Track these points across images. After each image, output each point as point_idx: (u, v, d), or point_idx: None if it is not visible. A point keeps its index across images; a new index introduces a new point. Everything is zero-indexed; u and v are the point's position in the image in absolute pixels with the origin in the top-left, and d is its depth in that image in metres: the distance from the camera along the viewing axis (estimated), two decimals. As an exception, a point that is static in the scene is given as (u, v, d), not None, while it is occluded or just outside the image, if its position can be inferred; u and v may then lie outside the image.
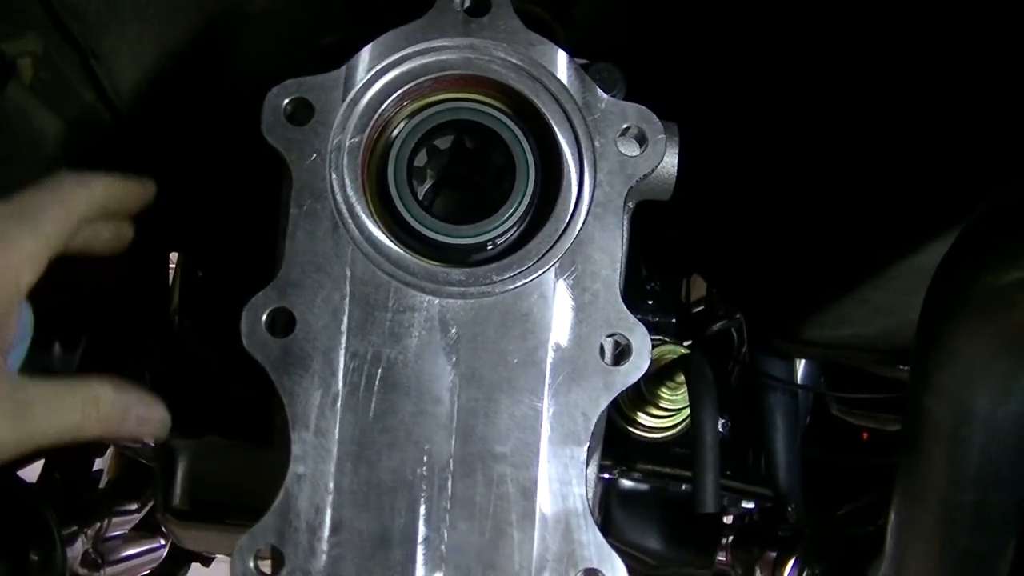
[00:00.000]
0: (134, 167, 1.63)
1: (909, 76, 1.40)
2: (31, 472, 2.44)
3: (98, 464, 2.79)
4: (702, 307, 2.43)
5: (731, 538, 2.44)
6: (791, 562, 2.17)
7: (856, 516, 2.17)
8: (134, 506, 2.61)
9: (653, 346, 1.74)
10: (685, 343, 2.15)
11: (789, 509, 2.27)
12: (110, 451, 2.75)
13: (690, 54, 1.64)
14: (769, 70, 1.60)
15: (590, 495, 1.32)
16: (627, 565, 1.11)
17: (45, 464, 2.42)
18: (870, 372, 2.26)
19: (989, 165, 1.37)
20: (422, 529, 1.09)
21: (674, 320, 1.94)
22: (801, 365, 2.49)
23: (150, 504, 2.62)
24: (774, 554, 2.23)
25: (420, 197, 1.23)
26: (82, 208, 1.14)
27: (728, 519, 2.50)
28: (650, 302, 1.93)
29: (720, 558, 2.41)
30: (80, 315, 2.20)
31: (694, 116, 1.66)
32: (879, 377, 2.17)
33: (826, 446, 2.68)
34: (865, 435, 2.69)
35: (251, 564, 1.07)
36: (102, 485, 2.74)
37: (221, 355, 1.30)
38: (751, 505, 2.17)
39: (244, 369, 1.13)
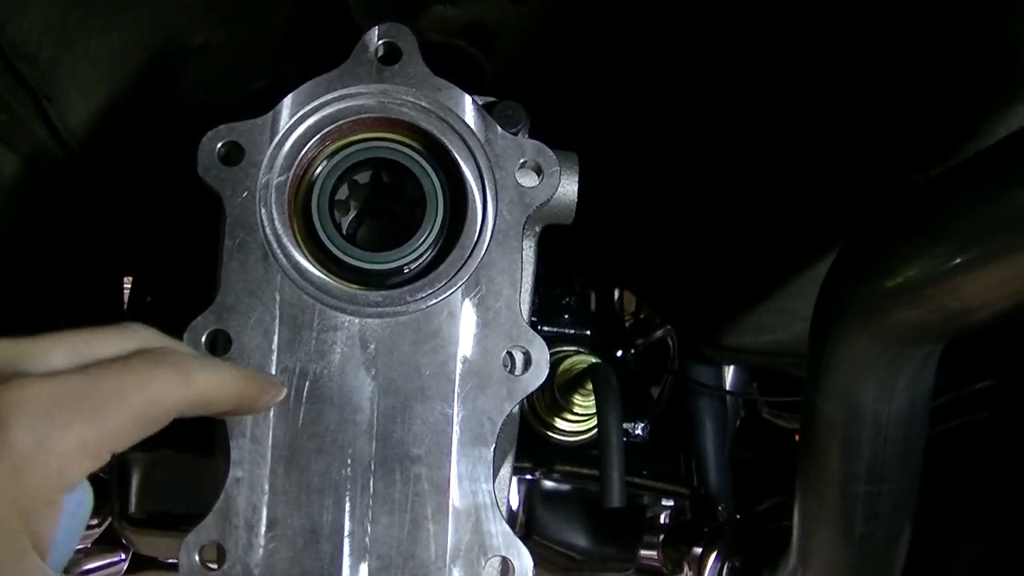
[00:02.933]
0: (87, 199, 1.69)
1: (797, 104, 1.49)
2: None
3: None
4: (630, 319, 2.51)
5: (662, 537, 2.51)
6: (712, 556, 2.24)
7: (776, 511, 2.24)
8: (94, 521, 2.63)
9: (567, 356, 1.84)
10: (619, 352, 2.23)
11: (720, 508, 2.35)
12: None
13: (605, 76, 1.72)
14: (677, 91, 1.68)
15: (504, 493, 1.43)
16: (555, 562, 1.19)
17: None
18: (797, 376, 2.32)
19: (871, 184, 1.45)
20: (348, 524, 1.20)
21: (588, 332, 2.01)
22: (730, 371, 2.55)
23: (110, 519, 2.64)
24: (699, 550, 2.30)
25: (345, 227, 1.34)
26: (168, 408, 0.98)
27: (663, 519, 2.57)
28: (566, 316, 2.01)
29: (653, 555, 2.48)
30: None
31: (612, 136, 1.74)
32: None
33: (758, 448, 2.74)
34: (797, 436, 2.74)
35: (196, 558, 1.17)
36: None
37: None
38: (671, 503, 2.23)
39: None
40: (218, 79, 1.67)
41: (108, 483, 1.95)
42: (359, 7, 1.54)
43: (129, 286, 2.11)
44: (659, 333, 2.63)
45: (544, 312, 2.00)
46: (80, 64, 1.46)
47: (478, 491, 1.21)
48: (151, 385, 0.94)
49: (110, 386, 0.91)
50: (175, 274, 1.90)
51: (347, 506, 1.20)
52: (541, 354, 1.23)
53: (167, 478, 1.91)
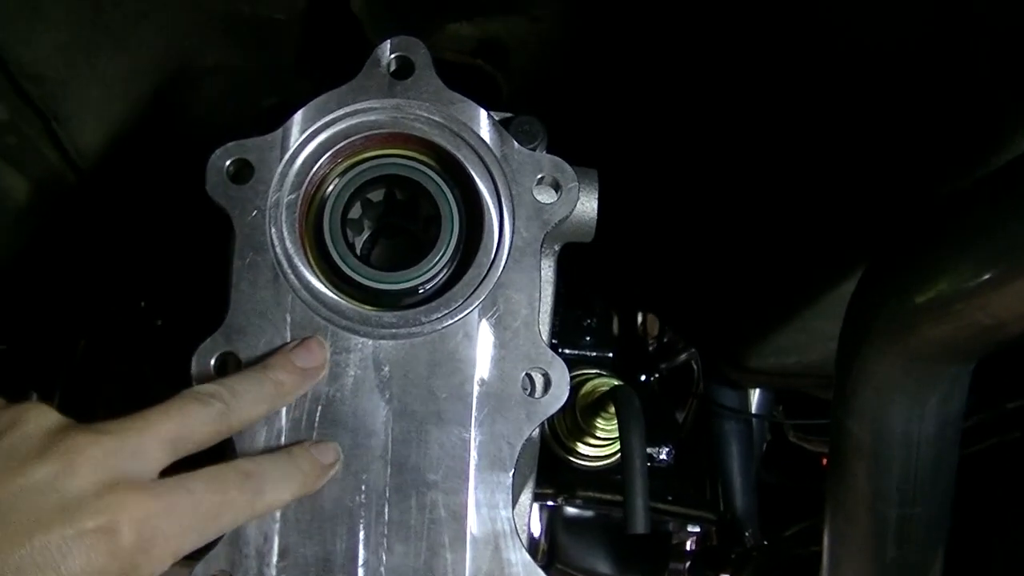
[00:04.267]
0: (98, 221, 1.68)
1: (819, 120, 1.46)
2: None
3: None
4: (654, 343, 2.48)
5: (688, 564, 2.47)
6: (740, 583, 2.21)
7: (804, 536, 2.21)
8: None
9: (588, 379, 1.80)
10: (642, 377, 2.20)
11: (747, 533, 2.31)
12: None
13: (624, 93, 1.70)
14: (698, 108, 1.65)
15: (525, 519, 1.39)
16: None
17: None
18: (823, 399, 2.30)
19: (896, 199, 1.42)
20: (362, 553, 1.16)
21: (610, 354, 1.98)
22: (756, 394, 2.53)
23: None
24: (727, 576, 2.27)
25: (358, 246, 1.31)
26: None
27: (689, 545, 2.54)
28: (587, 338, 1.99)
29: (678, 584, 2.45)
30: (55, 364, 2.24)
31: (632, 155, 1.72)
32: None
33: (784, 471, 2.71)
34: (824, 460, 2.71)
35: None
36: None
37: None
38: (697, 528, 2.20)
39: None
40: (230, 100, 1.66)
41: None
42: (372, 26, 1.52)
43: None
44: (683, 356, 2.60)
45: (564, 334, 1.97)
46: (90, 85, 1.45)
47: (497, 518, 1.18)
48: (233, 508, 1.04)
49: (206, 508, 1.01)
50: (185, 297, 1.88)
51: (361, 534, 1.17)
52: (561, 376, 1.20)
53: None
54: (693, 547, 2.53)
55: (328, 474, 1.15)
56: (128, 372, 1.92)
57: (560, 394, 1.20)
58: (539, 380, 1.20)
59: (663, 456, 1.94)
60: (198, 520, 0.99)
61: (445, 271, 1.23)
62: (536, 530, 2.06)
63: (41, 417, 0.98)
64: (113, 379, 2.00)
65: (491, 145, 1.23)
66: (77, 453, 0.94)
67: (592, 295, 2.16)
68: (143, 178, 1.70)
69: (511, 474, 1.18)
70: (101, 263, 1.88)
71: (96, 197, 1.64)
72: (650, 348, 2.65)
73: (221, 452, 1.20)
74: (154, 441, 1.00)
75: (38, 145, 1.46)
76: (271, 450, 1.16)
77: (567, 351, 1.98)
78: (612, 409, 1.78)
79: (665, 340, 2.65)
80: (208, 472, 1.03)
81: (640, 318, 2.59)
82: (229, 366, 1.17)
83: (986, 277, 1.08)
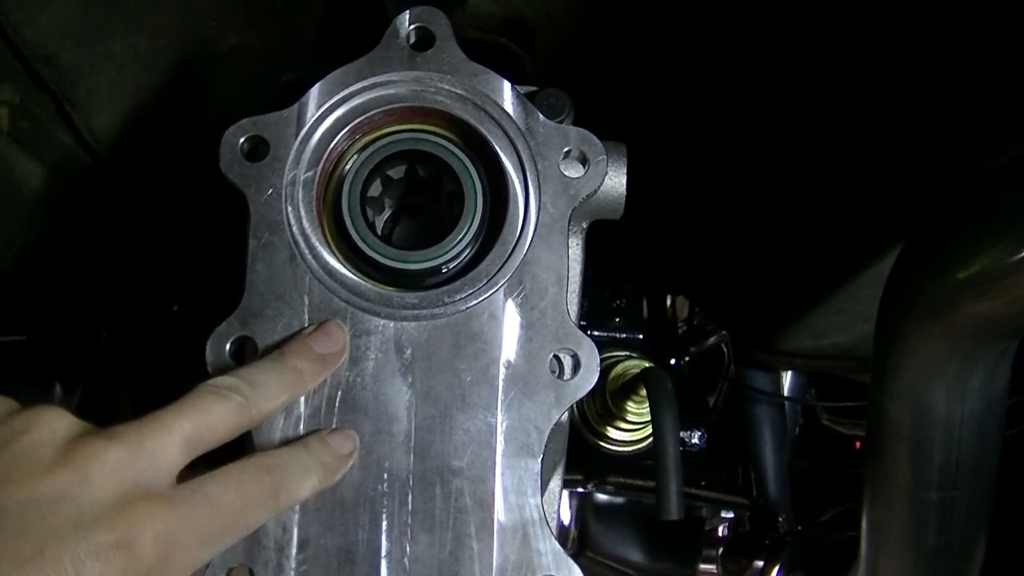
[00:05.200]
0: (114, 206, 1.66)
1: (852, 97, 1.43)
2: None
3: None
4: (683, 326, 2.46)
5: (721, 550, 2.45)
6: (775, 569, 2.18)
7: (839, 522, 2.18)
8: None
9: (618, 361, 1.77)
10: (672, 360, 2.17)
11: (780, 519, 2.28)
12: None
13: (652, 71, 1.67)
14: (728, 87, 1.62)
15: (554, 507, 1.36)
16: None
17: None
18: (856, 381, 2.27)
19: (932, 176, 1.39)
20: (385, 543, 1.12)
21: (640, 336, 1.95)
22: (788, 377, 2.51)
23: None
24: (761, 563, 2.24)
25: (379, 226, 1.27)
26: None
27: (721, 532, 2.52)
28: (617, 319, 1.95)
29: (712, 569, 2.42)
30: (77, 355, 2.23)
31: (661, 136, 1.69)
32: (864, 385, 2.19)
33: (817, 456, 2.69)
34: (857, 443, 2.70)
35: None
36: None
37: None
38: (730, 514, 2.18)
39: None
40: (249, 82, 1.63)
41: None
42: (393, 3, 1.49)
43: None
44: (713, 339, 2.58)
45: (593, 315, 1.94)
46: (104, 67, 1.42)
47: (525, 506, 1.14)
48: (254, 510, 1.02)
49: (226, 513, 0.98)
50: (202, 280, 1.85)
51: (384, 524, 1.13)
52: (591, 357, 1.15)
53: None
54: (725, 533, 2.52)
55: (348, 464, 1.12)
56: (148, 359, 1.90)
57: (590, 376, 1.15)
58: (568, 361, 1.16)
59: (695, 440, 1.91)
60: (219, 527, 0.97)
61: (469, 249, 1.19)
62: (566, 517, 2.03)
63: (55, 422, 0.95)
64: (133, 368, 1.98)
65: (516, 118, 1.19)
66: (92, 460, 0.91)
67: (621, 277, 2.13)
68: (160, 161, 1.67)
69: (539, 460, 1.14)
70: (119, 249, 1.86)
71: (113, 182, 1.61)
72: (680, 331, 2.63)
73: (240, 444, 1.17)
74: (171, 443, 0.97)
75: (52, 129, 1.44)
76: (289, 441, 1.12)
77: (596, 333, 1.94)
78: (643, 392, 1.75)
79: (695, 323, 2.63)
80: (226, 473, 1.00)
81: (669, 301, 2.58)
82: (246, 350, 1.14)
83: (1033, 249, 1.03)
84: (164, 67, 1.50)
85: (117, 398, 2.10)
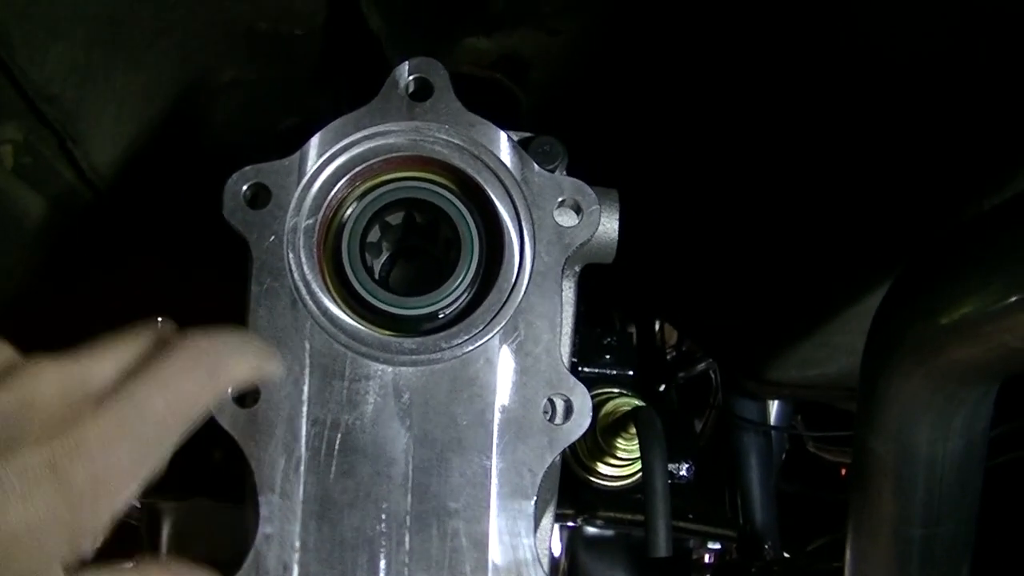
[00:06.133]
0: (115, 241, 1.67)
1: (845, 134, 1.45)
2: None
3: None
4: (671, 352, 2.48)
5: (707, 577, 2.47)
6: (761, 599, 2.19)
7: (825, 551, 2.20)
8: (128, 564, 2.60)
9: (609, 398, 1.79)
10: (661, 386, 2.19)
11: (766, 546, 2.30)
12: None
13: (643, 105, 1.68)
14: (719, 119, 1.64)
15: (546, 544, 1.38)
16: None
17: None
18: (843, 409, 2.29)
19: (922, 216, 1.41)
20: None
21: (631, 372, 1.97)
22: (775, 404, 2.52)
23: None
24: (747, 592, 2.26)
25: (376, 269, 1.30)
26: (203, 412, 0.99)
27: (708, 559, 2.53)
28: (607, 356, 1.97)
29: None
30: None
31: (651, 167, 1.71)
32: (851, 413, 2.20)
33: (804, 481, 2.70)
34: (843, 470, 2.71)
35: None
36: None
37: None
38: (717, 546, 2.19)
39: (221, 435, 1.17)
40: (247, 116, 1.65)
41: (139, 532, 1.92)
42: (390, 41, 1.51)
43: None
44: (702, 366, 2.60)
45: (584, 352, 1.95)
46: (106, 103, 1.44)
47: (519, 546, 1.16)
48: (189, 402, 0.96)
49: (156, 418, 0.92)
50: (203, 320, 1.87)
51: (382, 563, 1.15)
52: (583, 402, 1.18)
53: (200, 528, 1.88)
54: (712, 560, 2.53)
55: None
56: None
57: (582, 420, 1.18)
58: (560, 406, 1.18)
59: (683, 472, 1.92)
60: (156, 433, 0.92)
61: (465, 295, 1.21)
62: (556, 550, 2.04)
63: None
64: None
65: (511, 168, 1.22)
66: (26, 380, 0.89)
67: (611, 308, 2.14)
68: (160, 195, 1.68)
69: (533, 501, 1.16)
70: (120, 283, 1.87)
71: (113, 214, 1.63)
72: (668, 357, 2.65)
73: (240, 475, 1.19)
74: (107, 367, 0.94)
75: (54, 164, 1.45)
76: (290, 482, 1.15)
77: (587, 370, 1.96)
78: (633, 429, 1.77)
79: (683, 349, 2.65)
80: (152, 372, 0.95)
81: (657, 327, 2.59)
82: (248, 394, 1.16)
83: (1013, 299, 1.06)
84: (163, 101, 1.52)
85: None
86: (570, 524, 1.98)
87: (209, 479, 1.14)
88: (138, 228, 1.73)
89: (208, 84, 1.56)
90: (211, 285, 1.68)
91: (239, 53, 1.53)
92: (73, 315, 1.86)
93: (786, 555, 2.36)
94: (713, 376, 2.57)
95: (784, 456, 2.69)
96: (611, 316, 2.13)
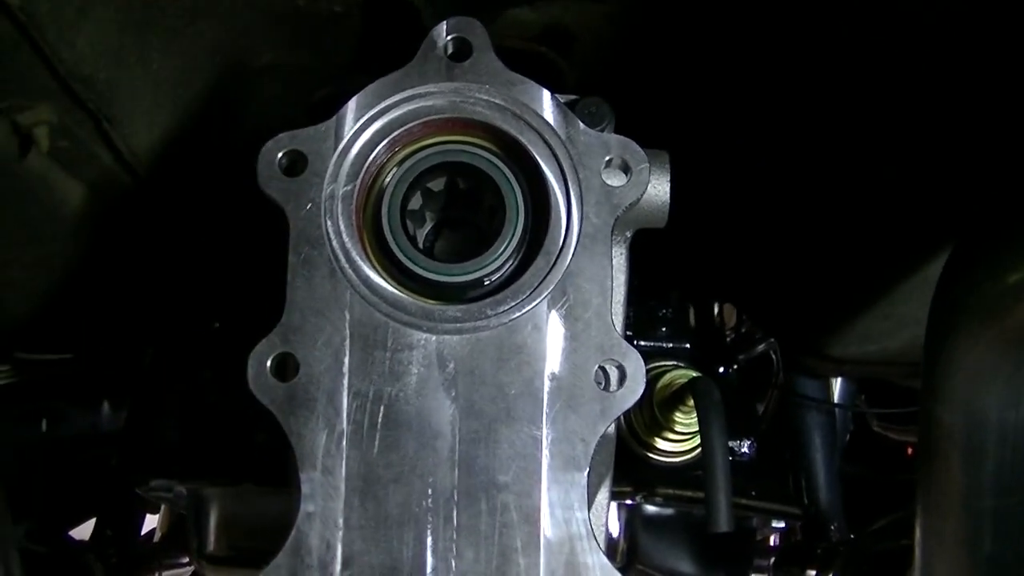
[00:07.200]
0: (154, 225, 1.66)
1: (902, 97, 1.41)
2: (84, 529, 2.49)
3: (152, 521, 2.84)
4: (731, 334, 2.44)
5: (773, 560, 2.43)
6: (828, 579, 2.16)
7: (892, 530, 2.15)
8: (185, 559, 2.63)
9: (665, 371, 1.75)
10: (721, 369, 2.15)
11: (832, 528, 2.26)
12: (163, 507, 2.80)
13: (694, 78, 1.65)
14: (772, 91, 1.60)
15: (602, 520, 1.34)
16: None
17: (97, 521, 2.46)
18: (907, 386, 2.25)
19: (983, 180, 1.38)
20: (430, 560, 1.11)
21: (687, 345, 1.93)
22: (838, 384, 2.48)
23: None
24: (813, 573, 2.22)
25: (420, 239, 1.26)
26: None
27: (772, 541, 2.50)
28: (663, 329, 1.94)
29: (763, 581, 2.41)
30: (127, 373, 2.23)
31: (706, 142, 1.68)
32: (915, 391, 2.16)
33: (869, 462, 2.66)
34: (909, 450, 2.67)
35: None
36: (156, 540, 2.78)
37: (242, 403, 1.34)
38: (781, 524, 2.16)
39: (264, 415, 1.15)
40: (286, 98, 1.63)
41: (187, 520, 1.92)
42: (431, 14, 1.48)
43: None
44: (762, 347, 2.55)
45: (639, 325, 1.92)
46: (141, 86, 1.42)
47: (572, 520, 1.12)
48: None
49: None
50: (242, 297, 1.85)
51: (429, 540, 1.11)
52: (637, 367, 1.14)
53: (246, 513, 1.87)
54: (777, 543, 2.49)
55: None
56: (192, 377, 1.90)
57: (636, 387, 1.14)
58: (613, 373, 1.14)
59: (744, 450, 1.89)
60: None
61: (511, 261, 1.18)
62: (614, 530, 2.01)
63: None
64: (181, 387, 1.99)
65: (556, 127, 1.18)
66: None
67: (667, 286, 2.11)
68: (199, 178, 1.67)
69: (586, 473, 1.12)
70: (161, 266, 1.86)
71: (153, 199, 1.61)
72: (728, 339, 2.61)
73: (283, 462, 1.17)
74: None
75: (91, 148, 1.44)
76: (333, 457, 1.12)
77: (642, 343, 1.93)
78: (691, 402, 1.73)
79: (743, 330, 2.61)
80: None
81: (716, 308, 2.56)
82: (288, 367, 1.13)
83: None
84: (201, 84, 1.51)
85: (165, 415, 2.11)
86: (628, 502, 1.95)
87: (254, 463, 1.12)
88: (179, 211, 1.71)
89: (246, 67, 1.54)
90: (250, 267, 1.67)
91: (277, 34, 1.50)
92: (119, 302, 1.85)
93: (852, 537, 2.32)
94: (774, 356, 2.53)
95: (848, 437, 2.64)
96: (668, 295, 2.09)
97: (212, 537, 1.88)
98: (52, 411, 2.45)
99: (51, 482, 2.43)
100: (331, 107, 1.19)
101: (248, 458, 1.63)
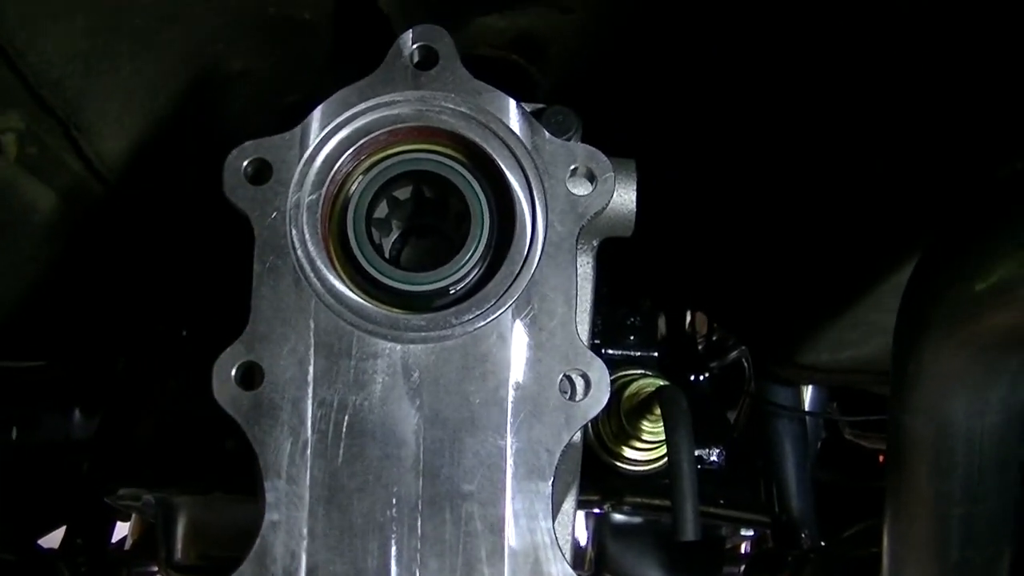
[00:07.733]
0: (126, 232, 1.65)
1: (869, 101, 1.42)
2: (54, 537, 2.48)
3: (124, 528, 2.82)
4: (703, 342, 2.44)
5: (743, 568, 2.43)
6: (798, 586, 2.16)
7: (863, 537, 2.15)
8: (155, 568, 2.61)
9: (632, 380, 1.75)
10: (692, 376, 2.16)
11: (803, 535, 2.26)
12: (134, 515, 2.79)
13: (663, 85, 1.65)
14: (740, 98, 1.61)
15: (568, 529, 1.34)
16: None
17: (68, 529, 2.45)
18: (879, 394, 2.26)
19: (951, 187, 1.38)
20: (395, 569, 1.11)
21: (656, 354, 1.93)
22: (809, 392, 2.49)
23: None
24: (784, 580, 2.22)
25: (387, 248, 1.26)
26: None
27: (744, 549, 2.50)
28: (631, 337, 1.94)
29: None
30: (99, 380, 2.22)
31: (675, 150, 1.68)
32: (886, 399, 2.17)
33: (840, 470, 2.67)
34: (881, 457, 2.68)
35: None
36: (127, 547, 2.77)
37: (211, 411, 1.34)
38: (751, 532, 2.16)
39: (232, 423, 1.14)
40: (258, 105, 1.62)
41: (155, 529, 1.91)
42: (401, 23, 1.47)
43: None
44: (734, 355, 2.56)
45: (607, 334, 1.92)
46: (111, 92, 1.42)
47: (536, 529, 1.12)
48: None
49: None
50: (210, 305, 1.85)
51: (393, 549, 1.11)
52: (601, 377, 1.14)
53: (215, 522, 1.86)
54: (748, 550, 2.50)
55: None
56: (157, 387, 1.90)
57: (600, 396, 1.14)
58: (578, 382, 1.14)
59: (714, 458, 1.89)
60: None
61: (476, 270, 1.17)
62: (583, 538, 2.00)
63: None
64: (146, 396, 1.98)
65: (521, 136, 1.18)
66: None
67: (639, 294, 2.11)
68: (170, 185, 1.66)
69: (551, 483, 1.12)
70: (132, 274, 1.85)
71: (123, 206, 1.61)
72: (699, 347, 2.61)
73: (249, 466, 1.16)
74: None
75: (60, 155, 1.43)
76: (297, 466, 1.11)
77: (610, 351, 1.93)
78: (658, 411, 1.73)
79: (714, 338, 2.61)
80: None
81: (688, 316, 2.56)
82: (252, 375, 1.12)
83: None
84: (171, 91, 1.50)
85: (137, 423, 2.10)
86: (596, 511, 1.95)
87: (224, 470, 1.11)
88: (149, 219, 1.70)
89: (216, 73, 1.53)
90: (219, 275, 1.67)
91: (248, 41, 1.50)
92: (90, 309, 1.84)
93: (823, 544, 2.33)
94: (746, 364, 2.53)
95: (820, 444, 2.65)
96: (638, 303, 2.09)
97: (180, 546, 1.87)
98: (23, 418, 2.44)
99: (21, 489, 2.42)
100: (299, 114, 1.19)
101: (218, 466, 1.63)
